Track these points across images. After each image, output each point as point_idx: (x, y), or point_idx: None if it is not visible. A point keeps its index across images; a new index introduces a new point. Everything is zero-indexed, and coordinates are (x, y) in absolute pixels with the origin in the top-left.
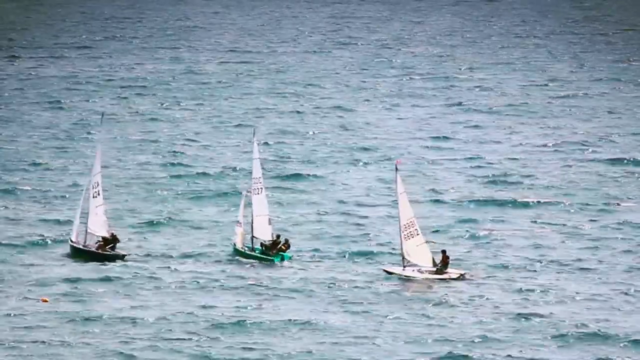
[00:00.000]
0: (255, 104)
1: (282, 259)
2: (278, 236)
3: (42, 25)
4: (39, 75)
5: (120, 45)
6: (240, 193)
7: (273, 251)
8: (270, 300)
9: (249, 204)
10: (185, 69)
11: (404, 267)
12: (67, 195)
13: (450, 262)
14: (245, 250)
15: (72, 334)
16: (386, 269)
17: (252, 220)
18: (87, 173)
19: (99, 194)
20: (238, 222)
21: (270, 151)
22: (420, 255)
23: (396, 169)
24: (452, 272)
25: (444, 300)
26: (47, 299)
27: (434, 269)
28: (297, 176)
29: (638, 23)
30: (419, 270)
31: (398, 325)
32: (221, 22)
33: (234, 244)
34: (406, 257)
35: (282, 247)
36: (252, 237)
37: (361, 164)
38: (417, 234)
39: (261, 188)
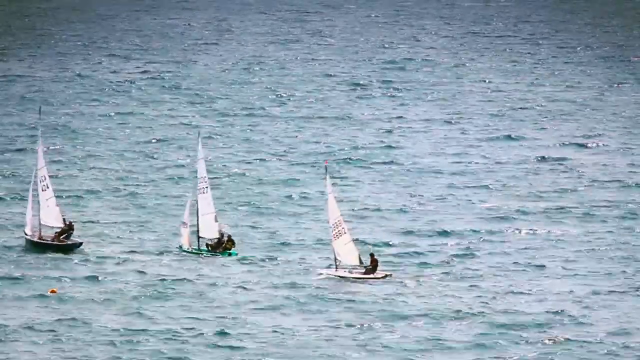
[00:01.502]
0: (250, 106)
1: (230, 255)
2: (222, 235)
3: (43, 27)
4: (33, 75)
5: (120, 46)
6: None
7: (219, 250)
8: (221, 308)
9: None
10: (178, 70)
11: (336, 267)
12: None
13: (378, 264)
14: (192, 250)
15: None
16: (320, 271)
17: (197, 220)
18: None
19: (47, 187)
20: (183, 222)
21: (266, 152)
22: (348, 253)
23: (325, 169)
24: (379, 272)
25: (402, 303)
26: (55, 290)
27: (363, 269)
28: (291, 178)
29: (628, 24)
30: (349, 271)
31: (346, 330)
32: (220, 24)
33: (180, 246)
34: (337, 257)
35: (227, 245)
36: (198, 237)
37: (356, 164)
38: (345, 233)
39: (207, 187)
